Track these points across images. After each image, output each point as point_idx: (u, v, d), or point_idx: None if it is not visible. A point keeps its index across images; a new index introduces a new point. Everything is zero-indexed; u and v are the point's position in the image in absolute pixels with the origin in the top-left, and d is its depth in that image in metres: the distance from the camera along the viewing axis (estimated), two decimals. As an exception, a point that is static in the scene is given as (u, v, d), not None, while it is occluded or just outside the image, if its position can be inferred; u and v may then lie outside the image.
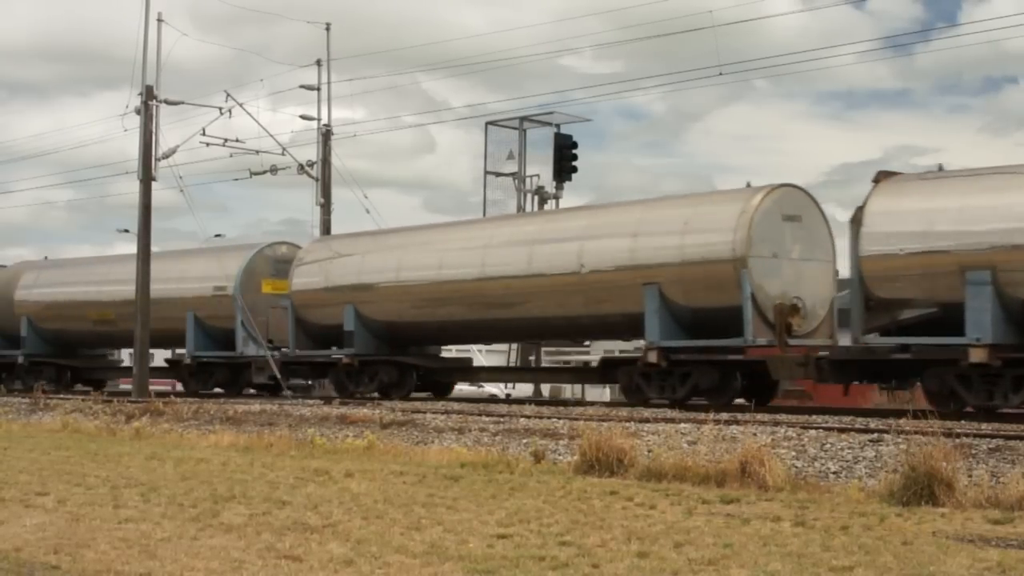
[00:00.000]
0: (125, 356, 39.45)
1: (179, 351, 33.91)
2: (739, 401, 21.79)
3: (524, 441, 17.32)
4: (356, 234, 30.95)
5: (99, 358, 38.77)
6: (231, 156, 36.04)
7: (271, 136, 35.95)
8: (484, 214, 35.57)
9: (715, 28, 29.76)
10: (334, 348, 28.41)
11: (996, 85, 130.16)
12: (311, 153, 36.61)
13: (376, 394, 26.84)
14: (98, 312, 35.14)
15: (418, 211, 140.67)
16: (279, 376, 29.19)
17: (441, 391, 28.59)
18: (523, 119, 35.88)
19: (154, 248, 32.04)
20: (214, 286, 31.97)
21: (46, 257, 42.65)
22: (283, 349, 29.87)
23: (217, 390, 32.43)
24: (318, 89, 36.93)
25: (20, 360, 36.82)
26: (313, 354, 28.95)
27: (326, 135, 36.75)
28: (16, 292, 37.60)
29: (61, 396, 30.72)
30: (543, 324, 24.92)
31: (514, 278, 24.41)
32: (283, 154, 35.99)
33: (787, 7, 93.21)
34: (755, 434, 14.71)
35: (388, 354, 27.36)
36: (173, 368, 34.34)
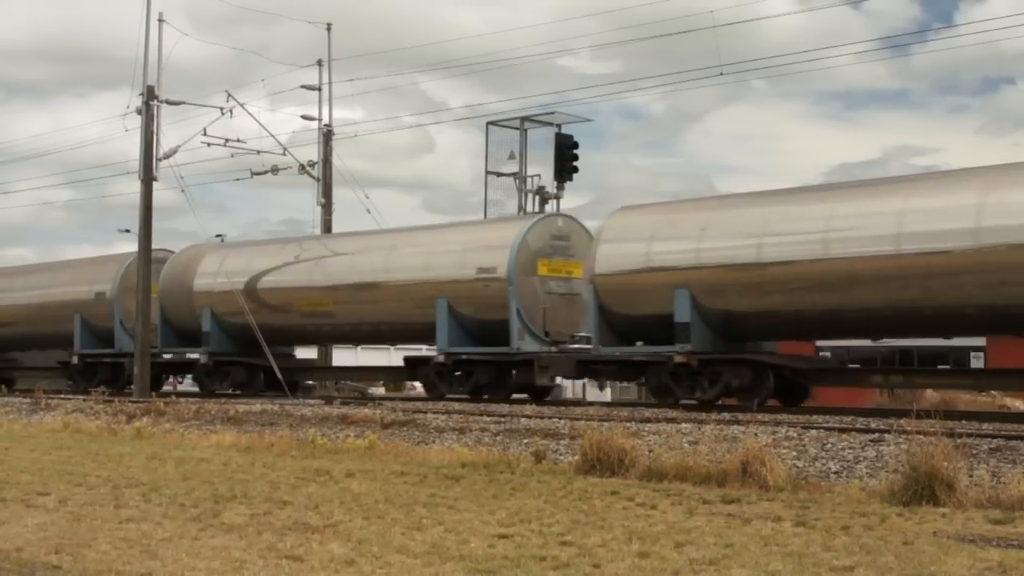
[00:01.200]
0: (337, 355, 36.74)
1: (418, 347, 30.26)
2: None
3: (525, 441, 17.33)
4: (687, 201, 24.57)
5: (287, 357, 32.26)
6: (232, 156, 36.09)
7: (272, 136, 36.00)
8: (485, 214, 35.56)
9: (716, 28, 29.79)
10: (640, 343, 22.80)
11: (994, 85, 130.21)
12: (310, 153, 36.68)
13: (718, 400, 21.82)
14: (310, 301, 29.25)
15: (417, 211, 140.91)
16: (280, 378, 29.16)
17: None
18: (524, 119, 35.85)
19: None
20: (478, 267, 25.78)
21: (220, 238, 42.56)
22: (569, 343, 24.20)
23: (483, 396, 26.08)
24: (319, 89, 36.97)
25: (203, 360, 31.30)
26: (632, 351, 22.73)
27: (327, 135, 36.77)
28: (195, 280, 31.91)
29: (62, 396, 30.72)
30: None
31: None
32: (284, 154, 36.04)
33: (785, 7, 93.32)
34: (756, 434, 14.70)
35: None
36: (417, 367, 27.59)
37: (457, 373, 25.94)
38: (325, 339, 32.85)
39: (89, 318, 34.48)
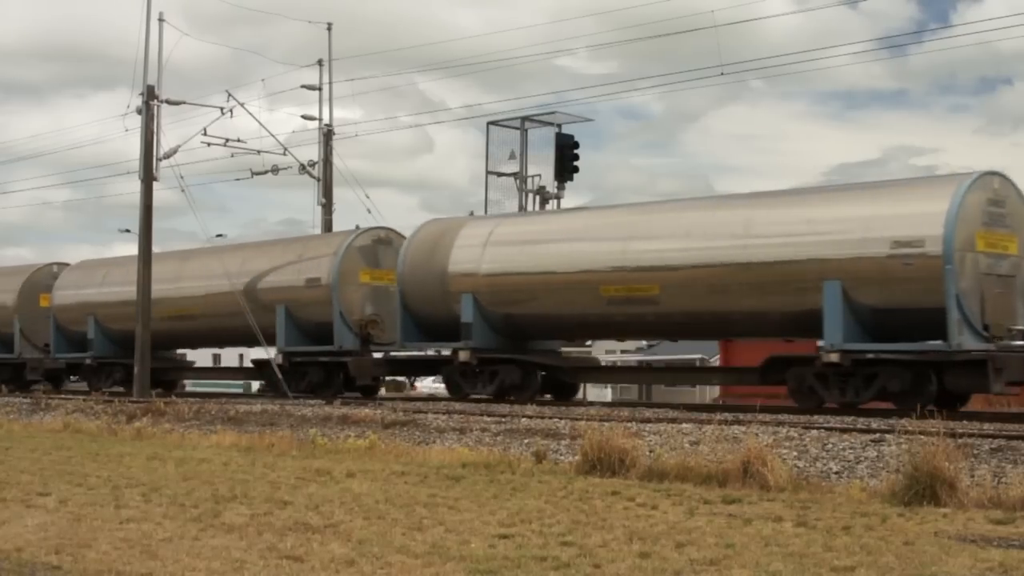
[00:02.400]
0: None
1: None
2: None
3: (526, 441, 17.32)
4: None
5: (551, 354, 26.59)
6: (232, 156, 36.09)
7: (273, 136, 36.00)
8: (486, 214, 35.56)
9: (716, 28, 29.81)
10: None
11: (991, 86, 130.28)
12: (308, 153, 36.70)
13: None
14: (628, 284, 22.88)
15: (416, 211, 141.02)
16: (279, 377, 29.17)
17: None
18: (524, 119, 35.85)
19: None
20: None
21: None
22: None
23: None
24: (319, 89, 36.97)
25: (463, 357, 25.11)
26: None
27: (327, 135, 36.77)
28: (452, 256, 25.74)
29: (62, 396, 30.72)
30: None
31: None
32: (284, 154, 36.04)
33: (783, 8, 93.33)
34: (757, 434, 14.69)
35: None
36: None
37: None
38: (637, 333, 27.17)
39: (296, 310, 29.31)
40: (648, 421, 17.85)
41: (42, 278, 38.20)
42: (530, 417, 19.38)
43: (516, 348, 25.17)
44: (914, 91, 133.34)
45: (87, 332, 35.24)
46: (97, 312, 35.13)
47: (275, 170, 35.86)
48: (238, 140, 35.55)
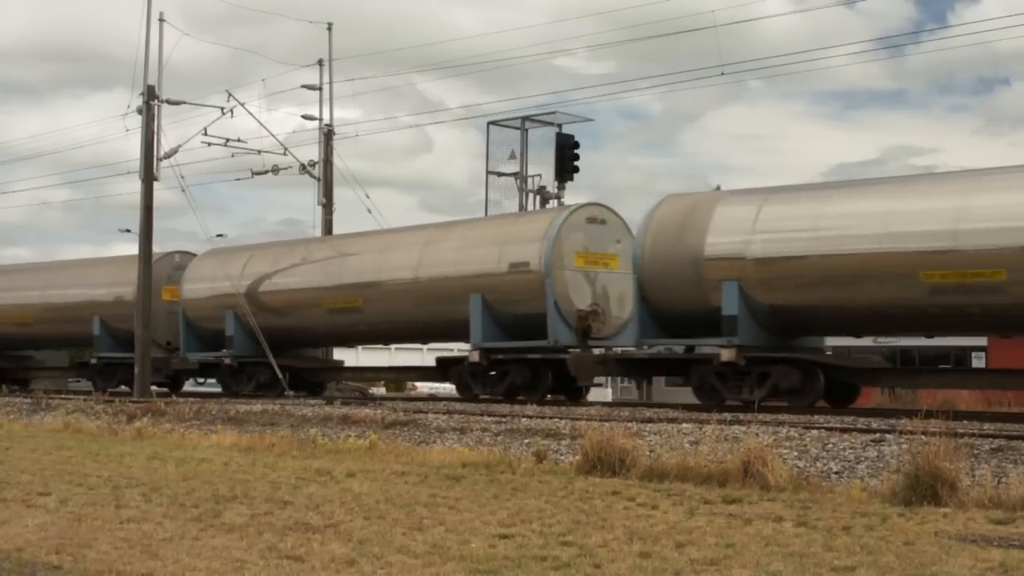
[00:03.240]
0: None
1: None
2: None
3: (526, 441, 17.32)
4: None
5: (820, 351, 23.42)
6: (232, 156, 36.10)
7: (273, 136, 36.01)
8: (486, 214, 35.56)
9: (716, 28, 29.80)
10: None
11: (989, 86, 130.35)
12: (306, 153, 36.68)
13: None
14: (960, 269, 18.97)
15: (415, 211, 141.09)
16: (280, 376, 29.19)
17: None
18: (525, 119, 35.87)
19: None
20: None
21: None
22: None
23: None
24: (319, 89, 36.98)
25: (725, 356, 21.32)
26: None
27: (328, 135, 36.77)
28: (708, 238, 21.98)
29: (63, 396, 30.72)
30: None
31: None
32: (284, 154, 36.04)
33: (781, 8, 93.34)
34: (757, 434, 14.69)
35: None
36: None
37: None
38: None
39: (493, 299, 25.71)
40: (648, 421, 17.85)
41: (164, 269, 34.08)
42: (530, 417, 19.38)
43: (785, 345, 21.81)
44: (913, 91, 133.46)
45: (224, 328, 31.45)
46: (238, 305, 30.89)
47: (275, 170, 35.86)
48: (238, 140, 35.58)
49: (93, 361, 35.43)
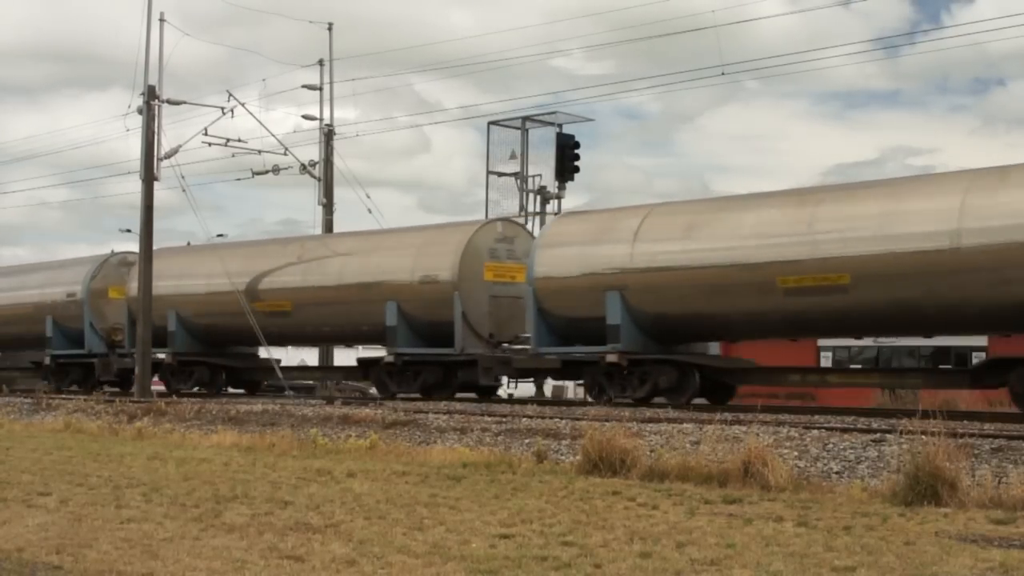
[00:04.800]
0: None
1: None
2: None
3: (526, 441, 17.32)
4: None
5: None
6: (233, 156, 36.11)
7: (274, 136, 36.01)
8: (487, 214, 35.57)
9: (717, 28, 29.82)
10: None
11: (985, 86, 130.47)
12: (305, 153, 36.67)
13: None
14: None
15: (413, 211, 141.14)
16: (280, 376, 29.23)
17: None
18: (525, 119, 35.90)
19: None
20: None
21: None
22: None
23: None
24: (320, 89, 37.00)
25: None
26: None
27: (328, 135, 36.78)
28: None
29: (63, 396, 30.72)
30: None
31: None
32: (284, 154, 36.05)
33: (778, 8, 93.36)
34: (758, 434, 14.68)
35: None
36: None
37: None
38: None
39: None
40: (649, 421, 17.85)
41: (482, 240, 26.56)
42: (531, 417, 19.38)
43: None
44: (910, 91, 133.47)
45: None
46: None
47: (276, 170, 35.86)
48: (239, 140, 35.58)
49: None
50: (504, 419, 19.22)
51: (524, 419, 19.08)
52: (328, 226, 36.17)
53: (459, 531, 9.87)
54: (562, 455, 16.03)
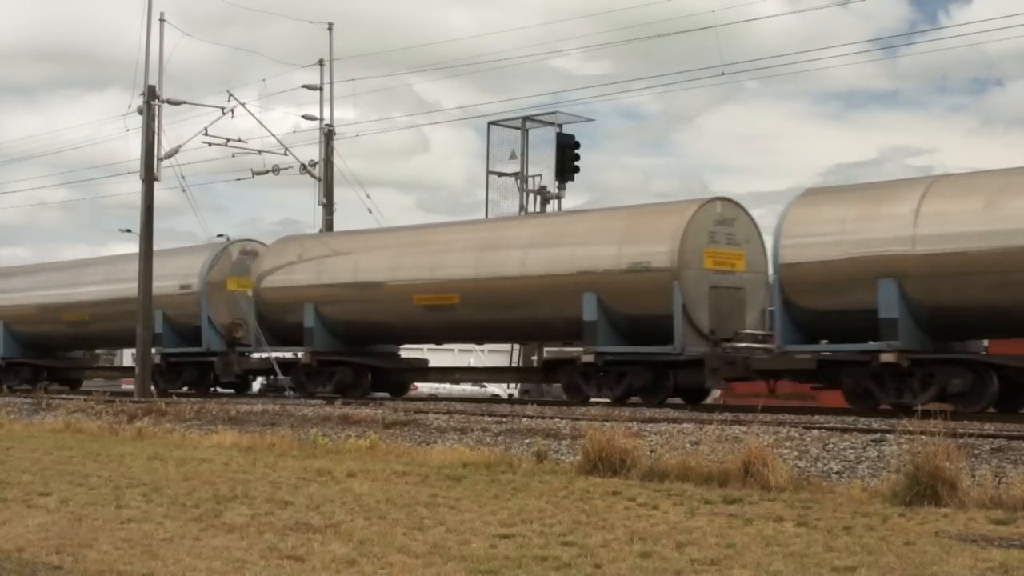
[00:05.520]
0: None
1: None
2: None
3: (527, 441, 17.32)
4: None
5: None
6: (233, 156, 36.11)
7: (274, 136, 36.00)
8: (487, 214, 35.55)
9: (717, 28, 29.83)
10: None
11: (983, 87, 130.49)
12: (304, 153, 36.66)
13: None
14: None
15: (412, 211, 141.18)
16: (278, 374, 29.19)
17: None
18: (525, 119, 35.90)
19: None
20: None
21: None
22: None
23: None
24: (320, 89, 36.99)
25: None
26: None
27: (328, 135, 36.78)
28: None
29: (64, 396, 30.72)
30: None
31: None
32: (285, 154, 36.05)
33: (777, 8, 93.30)
34: (758, 434, 14.68)
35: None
36: None
37: None
38: None
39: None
40: (649, 421, 17.85)
41: (702, 222, 22.94)
42: (531, 417, 19.39)
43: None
44: (909, 92, 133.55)
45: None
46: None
47: (276, 170, 35.87)
48: (239, 140, 35.58)
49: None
50: (504, 419, 19.23)
51: (524, 419, 19.09)
52: (328, 226, 36.16)
53: (459, 531, 9.87)
54: (562, 455, 16.03)
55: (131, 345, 32.82)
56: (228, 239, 34.61)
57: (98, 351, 42.49)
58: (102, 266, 36.68)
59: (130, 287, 31.75)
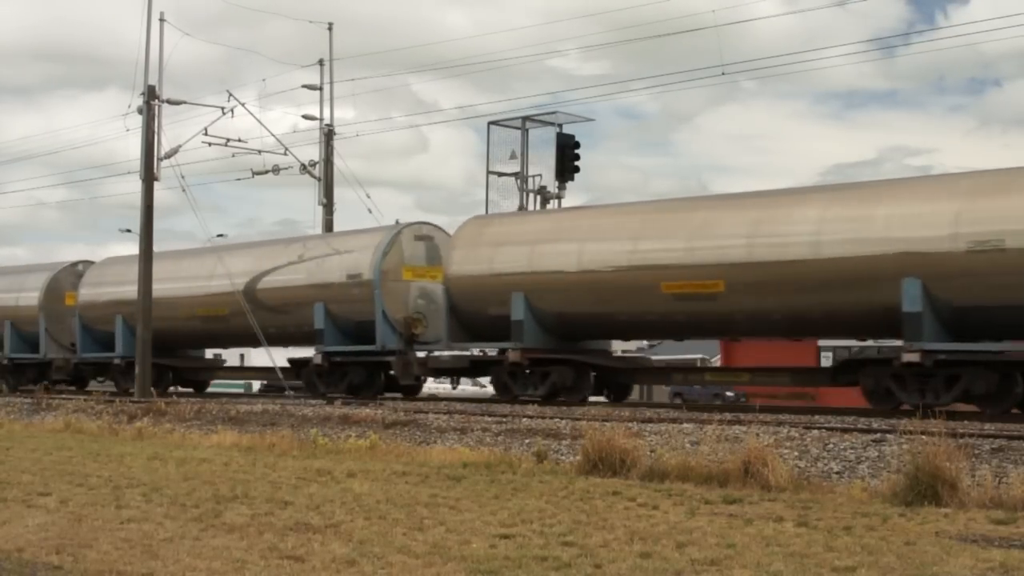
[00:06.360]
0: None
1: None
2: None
3: (527, 441, 17.32)
4: None
5: None
6: (233, 156, 36.12)
7: (275, 137, 36.01)
8: (487, 213, 35.54)
9: (717, 28, 29.85)
10: None
11: (980, 87, 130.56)
12: (303, 153, 36.66)
13: None
14: None
15: (411, 211, 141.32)
16: (280, 377, 29.19)
17: None
18: (525, 119, 35.87)
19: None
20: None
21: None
22: None
23: None
24: (320, 89, 37.00)
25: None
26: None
27: (328, 135, 36.78)
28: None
29: (64, 396, 30.72)
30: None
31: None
32: (285, 154, 36.06)
33: (775, 8, 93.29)
34: (758, 434, 14.68)
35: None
36: None
37: None
38: None
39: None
40: (649, 421, 17.85)
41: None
42: (531, 417, 19.38)
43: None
44: (908, 92, 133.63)
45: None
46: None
47: (276, 170, 35.88)
48: (239, 140, 35.59)
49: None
50: (504, 419, 19.22)
51: (524, 419, 19.09)
52: (328, 226, 36.18)
53: (459, 531, 9.87)
54: (562, 455, 16.02)
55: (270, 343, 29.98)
56: (398, 221, 29.87)
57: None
58: (247, 252, 32.53)
59: (285, 279, 29.27)
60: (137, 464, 15.81)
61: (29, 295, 37.23)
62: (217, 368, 35.90)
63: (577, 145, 35.53)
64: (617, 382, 25.49)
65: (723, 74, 28.43)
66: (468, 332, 25.30)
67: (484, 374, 26.26)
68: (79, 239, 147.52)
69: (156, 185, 31.48)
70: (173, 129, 79.16)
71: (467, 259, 25.49)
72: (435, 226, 28.97)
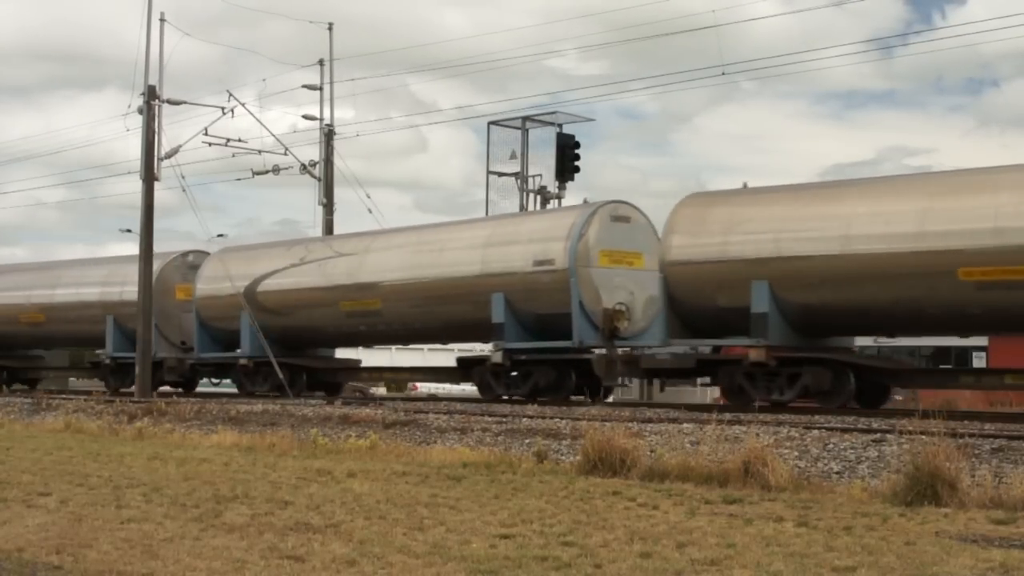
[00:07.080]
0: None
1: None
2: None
3: (527, 441, 17.31)
4: None
5: None
6: (233, 156, 36.13)
7: (276, 138, 36.01)
8: (486, 213, 35.55)
9: (717, 28, 29.86)
10: None
11: (978, 87, 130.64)
12: (302, 153, 36.67)
13: None
14: None
15: (410, 211, 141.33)
16: (281, 377, 29.19)
17: None
18: (525, 119, 35.90)
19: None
20: None
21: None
22: None
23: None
24: (320, 89, 37.01)
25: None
26: None
27: (328, 135, 36.78)
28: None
29: (64, 396, 30.71)
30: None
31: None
32: (285, 154, 36.07)
33: (773, 8, 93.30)
34: (758, 434, 14.68)
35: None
36: None
37: None
38: None
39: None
40: (649, 421, 17.85)
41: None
42: (531, 417, 19.38)
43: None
44: (906, 92, 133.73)
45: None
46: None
47: (276, 170, 35.89)
48: (239, 140, 35.60)
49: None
50: (504, 419, 19.22)
51: (524, 419, 19.09)
52: (328, 226, 36.18)
53: (459, 531, 9.87)
54: (562, 455, 16.02)
55: (431, 340, 28.32)
56: (587, 201, 26.06)
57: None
58: (400, 238, 29.09)
59: (452, 269, 26.08)
60: (137, 464, 15.81)
61: (136, 289, 31.79)
62: (355, 370, 31.89)
63: (577, 145, 35.54)
64: (880, 384, 21.88)
65: (723, 74, 28.46)
66: (688, 327, 22.14)
67: (707, 375, 23.35)
68: (79, 239, 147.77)
69: (156, 185, 31.50)
70: (173, 129, 79.12)
71: (691, 244, 22.09)
72: (632, 206, 25.23)
